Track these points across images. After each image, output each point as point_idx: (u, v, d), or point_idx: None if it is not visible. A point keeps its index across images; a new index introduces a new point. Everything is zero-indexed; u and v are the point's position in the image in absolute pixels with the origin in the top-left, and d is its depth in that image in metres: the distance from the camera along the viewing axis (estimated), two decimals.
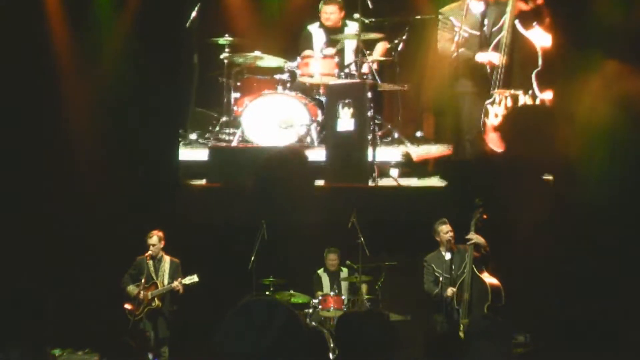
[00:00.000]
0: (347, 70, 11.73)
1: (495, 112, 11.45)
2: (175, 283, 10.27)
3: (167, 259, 10.53)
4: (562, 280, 10.76)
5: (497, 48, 11.39)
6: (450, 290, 9.29)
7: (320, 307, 10.29)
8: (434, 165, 11.66)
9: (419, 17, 11.75)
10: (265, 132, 11.70)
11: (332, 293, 10.47)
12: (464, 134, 11.71)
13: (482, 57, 11.45)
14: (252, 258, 10.37)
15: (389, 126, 11.81)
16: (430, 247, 9.80)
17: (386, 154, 11.63)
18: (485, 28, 11.52)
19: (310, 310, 10.34)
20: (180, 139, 11.96)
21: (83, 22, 11.71)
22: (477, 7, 11.55)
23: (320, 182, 11.66)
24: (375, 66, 11.73)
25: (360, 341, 4.01)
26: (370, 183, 11.52)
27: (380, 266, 10.36)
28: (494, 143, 11.47)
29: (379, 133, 11.70)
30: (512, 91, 11.41)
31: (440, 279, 9.42)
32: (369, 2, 11.58)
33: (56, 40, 11.73)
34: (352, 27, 11.80)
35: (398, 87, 11.78)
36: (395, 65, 11.81)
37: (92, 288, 11.07)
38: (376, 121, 11.66)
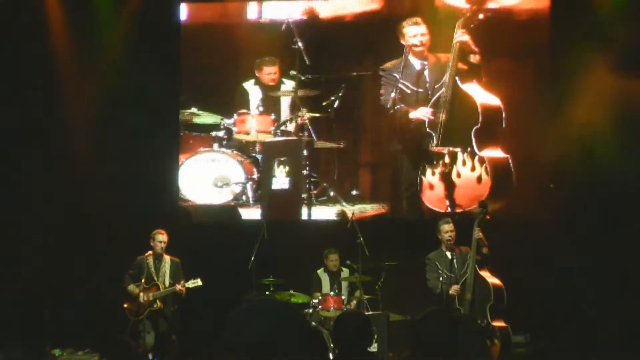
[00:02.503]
0: (283, 128, 11.61)
1: (433, 170, 11.30)
2: (179, 287, 10.22)
3: (167, 258, 10.44)
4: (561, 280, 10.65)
5: (436, 104, 11.27)
6: (453, 289, 9.16)
7: (320, 307, 10.23)
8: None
9: (355, 73, 11.63)
10: (200, 190, 11.61)
11: (332, 293, 10.39)
12: (401, 191, 11.55)
13: (414, 114, 11.33)
14: (252, 258, 10.31)
15: (325, 184, 11.65)
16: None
17: (322, 213, 11.49)
18: (427, 84, 11.40)
19: (310, 310, 10.25)
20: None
21: (83, 22, 11.69)
22: (418, 64, 11.44)
23: None
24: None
25: (343, 337, 4.97)
26: None
27: (380, 266, 10.25)
28: (431, 202, 11.29)
29: (315, 191, 11.56)
30: (451, 148, 11.27)
31: (443, 277, 9.29)
32: (305, 59, 11.50)
33: (56, 40, 11.70)
34: (288, 84, 11.70)
35: (334, 145, 11.64)
36: (332, 122, 11.67)
37: (92, 288, 11.08)
38: (312, 179, 11.54)
